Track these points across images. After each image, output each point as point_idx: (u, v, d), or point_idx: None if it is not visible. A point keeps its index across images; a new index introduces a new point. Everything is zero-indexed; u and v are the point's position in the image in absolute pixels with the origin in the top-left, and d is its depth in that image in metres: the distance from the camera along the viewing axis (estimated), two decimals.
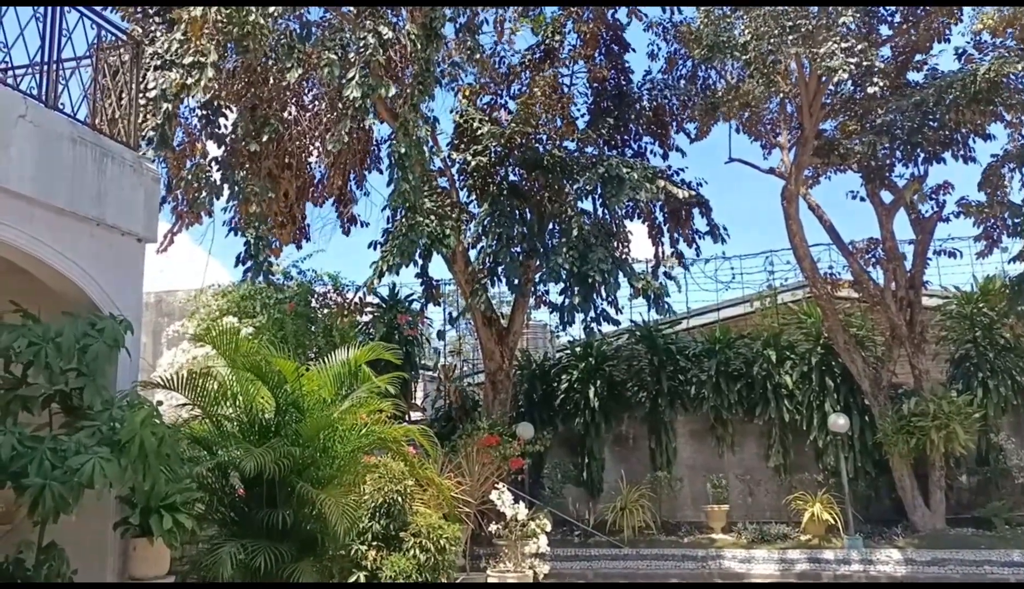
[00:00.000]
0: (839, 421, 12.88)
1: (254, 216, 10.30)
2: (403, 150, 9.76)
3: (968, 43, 12.42)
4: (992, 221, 12.75)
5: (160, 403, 5.95)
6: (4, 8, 5.77)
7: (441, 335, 16.25)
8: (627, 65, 14.64)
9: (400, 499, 7.62)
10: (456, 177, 13.84)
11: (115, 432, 5.17)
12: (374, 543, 7.43)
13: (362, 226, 13.89)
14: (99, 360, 5.48)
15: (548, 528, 10.47)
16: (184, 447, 6.42)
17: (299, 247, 13.57)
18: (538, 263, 13.05)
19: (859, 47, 10.23)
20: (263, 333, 10.69)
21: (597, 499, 14.62)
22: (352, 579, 7.20)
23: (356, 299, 13.46)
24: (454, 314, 16.54)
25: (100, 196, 6.16)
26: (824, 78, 11.66)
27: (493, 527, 10.33)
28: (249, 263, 10.60)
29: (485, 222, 12.94)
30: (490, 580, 10.03)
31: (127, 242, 6.53)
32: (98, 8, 7.09)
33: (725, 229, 14.17)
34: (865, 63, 10.28)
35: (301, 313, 12.22)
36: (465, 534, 10.13)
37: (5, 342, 5.09)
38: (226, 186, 10.32)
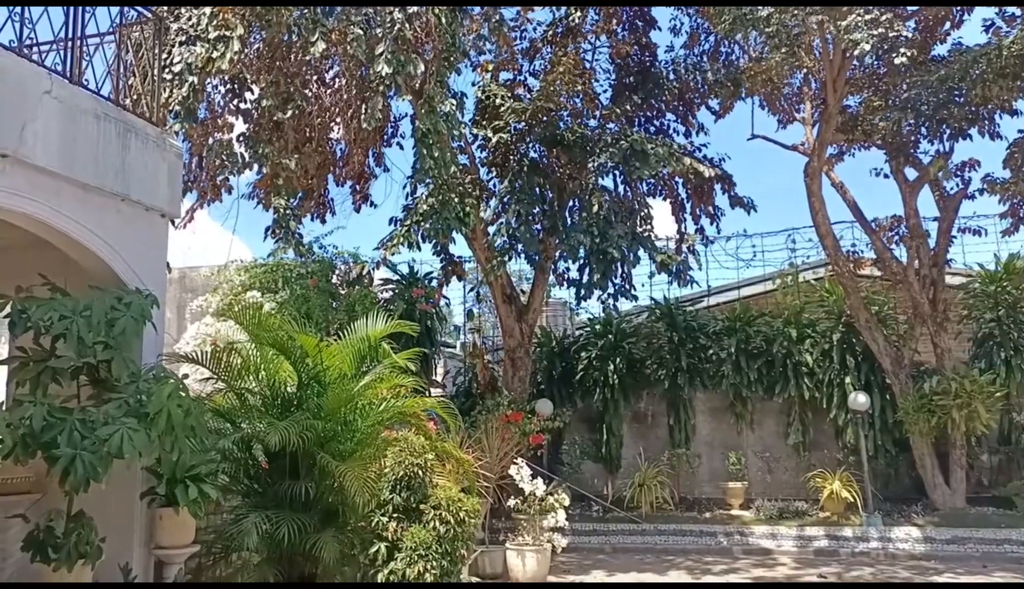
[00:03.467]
0: (859, 399, 12.84)
1: (280, 188, 10.37)
2: (428, 126, 9.72)
3: (996, 14, 12.19)
4: (1018, 199, 12.57)
5: (186, 376, 6.04)
6: None
7: (471, 315, 16.31)
8: (651, 41, 14.52)
9: (420, 472, 7.70)
10: (476, 153, 13.83)
11: (142, 404, 5.27)
12: (395, 515, 7.52)
13: (372, 206, 13.96)
14: (126, 334, 5.56)
15: (566, 503, 10.56)
16: (209, 419, 6.53)
17: (323, 222, 13.68)
18: (557, 240, 13.05)
19: (884, 18, 10.08)
20: (285, 308, 10.81)
21: (615, 475, 14.70)
22: (373, 550, 7.30)
23: (370, 269, 13.49)
24: (474, 291, 16.57)
25: (124, 172, 6.23)
26: (848, 53, 11.52)
27: (512, 501, 10.43)
28: (280, 234, 10.69)
29: (505, 199, 12.94)
30: (508, 552, 10.15)
31: (151, 217, 6.61)
32: None
33: (751, 200, 14.13)
34: (891, 34, 10.12)
35: (323, 289, 12.32)
36: (484, 508, 10.25)
37: (37, 315, 5.19)
38: (252, 159, 10.38)
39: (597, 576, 10.68)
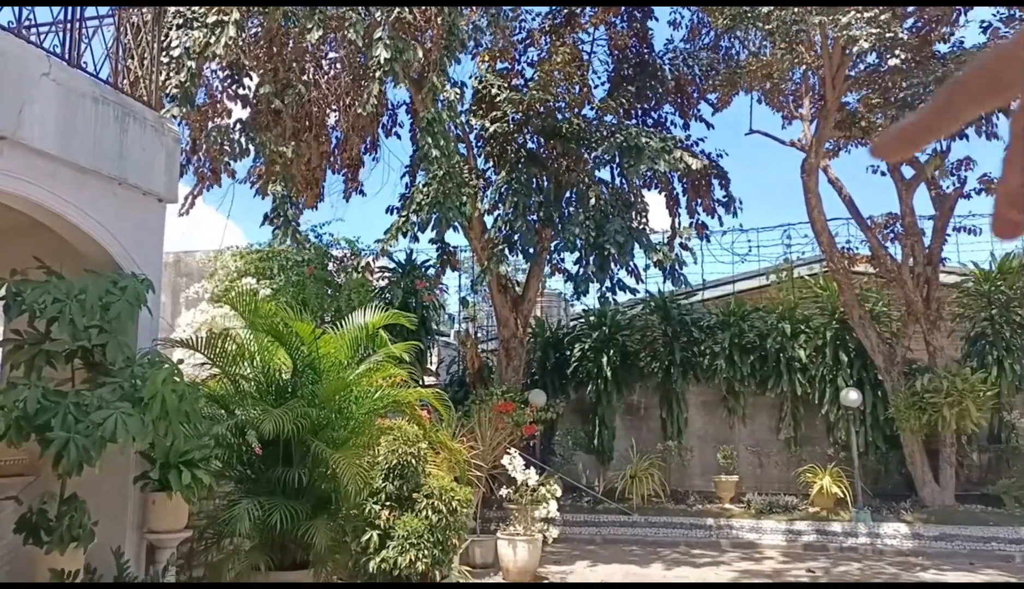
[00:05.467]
0: (851, 395, 12.90)
1: (280, 176, 10.35)
2: (431, 115, 9.67)
3: (994, 16, 12.20)
4: None
5: (181, 361, 6.04)
6: None
7: (464, 302, 16.30)
8: (650, 33, 14.50)
9: (414, 461, 7.73)
10: (473, 143, 13.81)
11: (137, 389, 5.27)
12: (387, 503, 7.56)
13: (362, 195, 13.93)
14: (121, 318, 5.55)
15: (558, 494, 10.58)
16: (203, 405, 6.53)
17: (315, 208, 13.66)
18: (554, 232, 13.05)
19: (883, 17, 10.09)
20: (281, 295, 10.79)
21: (607, 467, 14.75)
22: (365, 538, 7.34)
23: (369, 260, 13.51)
24: (469, 280, 16.58)
25: (122, 155, 6.21)
26: (847, 50, 11.53)
27: (504, 491, 10.45)
28: (278, 222, 10.67)
29: (502, 190, 12.94)
30: (500, 542, 10.18)
31: (148, 202, 6.59)
32: None
33: (740, 202, 14.18)
34: (888, 34, 10.13)
35: (319, 277, 12.30)
36: (476, 497, 10.27)
37: (31, 298, 5.18)
38: (251, 146, 10.35)
39: (583, 565, 10.73)
